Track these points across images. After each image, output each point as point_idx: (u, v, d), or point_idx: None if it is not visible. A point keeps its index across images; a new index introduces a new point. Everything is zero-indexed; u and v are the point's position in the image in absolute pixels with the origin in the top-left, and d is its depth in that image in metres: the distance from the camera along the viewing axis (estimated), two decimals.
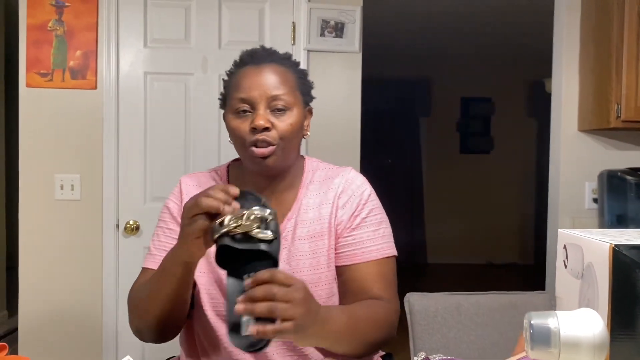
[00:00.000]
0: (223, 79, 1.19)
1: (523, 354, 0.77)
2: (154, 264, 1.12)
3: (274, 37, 2.49)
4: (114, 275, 2.47)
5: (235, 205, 0.86)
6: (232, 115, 1.09)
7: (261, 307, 0.80)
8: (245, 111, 1.07)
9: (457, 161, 6.28)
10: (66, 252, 2.46)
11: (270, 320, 0.81)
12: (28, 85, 2.42)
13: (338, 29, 2.46)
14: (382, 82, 5.58)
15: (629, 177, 2.32)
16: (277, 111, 1.07)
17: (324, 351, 1.07)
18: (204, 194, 0.87)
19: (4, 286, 3.99)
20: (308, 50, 2.49)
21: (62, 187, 2.45)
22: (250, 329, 0.81)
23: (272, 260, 0.86)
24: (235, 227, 0.84)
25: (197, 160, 2.50)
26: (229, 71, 1.16)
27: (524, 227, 6.20)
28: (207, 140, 2.50)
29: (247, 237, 0.85)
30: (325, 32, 2.46)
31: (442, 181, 6.22)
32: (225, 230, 0.84)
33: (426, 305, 1.51)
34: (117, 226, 2.47)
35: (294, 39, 2.49)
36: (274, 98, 1.07)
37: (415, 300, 1.54)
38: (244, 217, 0.85)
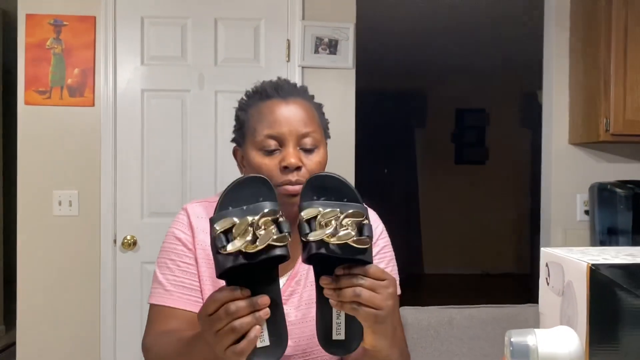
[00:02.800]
0: (237, 110, 1.12)
1: None
2: (172, 302, 1.06)
3: (269, 54, 2.54)
4: (112, 289, 2.49)
5: (267, 313, 0.77)
6: (257, 151, 1.03)
7: (348, 292, 0.78)
8: (274, 149, 1.02)
9: (452, 172, 6.32)
10: (64, 267, 2.48)
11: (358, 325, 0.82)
12: (27, 102, 2.46)
13: (332, 46, 2.51)
14: (378, 95, 5.64)
15: (618, 190, 2.36)
16: (306, 150, 1.04)
17: None
18: (230, 312, 0.75)
19: (1, 301, 4.00)
20: (303, 67, 2.53)
21: (60, 203, 2.48)
22: (331, 302, 0.79)
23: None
24: (331, 235, 0.76)
25: (193, 175, 2.53)
26: (245, 102, 1.10)
27: (519, 237, 6.23)
28: (204, 156, 2.54)
29: (343, 245, 0.77)
30: (320, 49, 2.51)
31: (438, 192, 6.26)
32: (318, 239, 0.76)
33: (419, 319, 1.54)
34: (115, 241, 2.50)
35: (288, 55, 2.53)
36: (304, 135, 1.03)
37: (409, 314, 1.57)
38: (338, 220, 0.77)
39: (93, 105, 2.48)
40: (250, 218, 0.75)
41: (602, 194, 2.42)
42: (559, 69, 2.61)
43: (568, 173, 2.60)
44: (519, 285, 5.74)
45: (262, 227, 0.74)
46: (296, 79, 2.52)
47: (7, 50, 3.67)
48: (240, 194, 0.79)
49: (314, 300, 0.87)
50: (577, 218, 2.59)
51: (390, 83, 5.68)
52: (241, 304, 0.75)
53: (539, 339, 0.66)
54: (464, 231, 6.19)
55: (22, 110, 2.46)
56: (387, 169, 6.17)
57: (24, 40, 2.45)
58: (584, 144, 2.57)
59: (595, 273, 0.76)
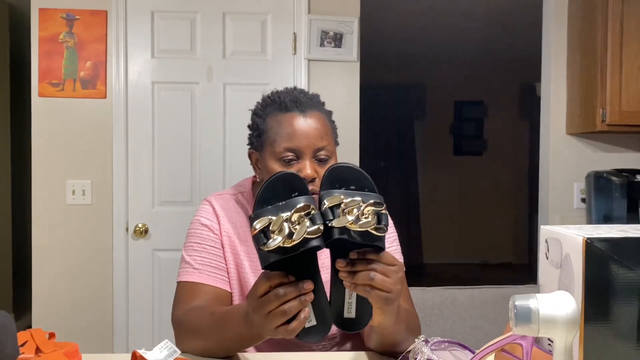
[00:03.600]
0: (254, 115, 1.20)
1: (510, 333, 0.88)
2: (201, 279, 1.14)
3: (275, 47, 2.61)
4: (124, 276, 2.57)
5: (312, 297, 0.84)
6: (275, 161, 1.12)
7: (362, 275, 0.84)
8: (291, 159, 1.11)
9: (451, 163, 6.40)
10: (78, 254, 2.56)
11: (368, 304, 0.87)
12: (40, 94, 2.53)
13: (337, 39, 2.58)
14: (378, 88, 5.71)
15: (614, 178, 2.45)
16: (320, 161, 1.12)
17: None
18: (277, 297, 0.82)
19: (10, 290, 4.08)
20: (308, 60, 2.60)
21: (73, 193, 2.55)
22: (345, 283, 0.85)
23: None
24: (353, 222, 0.82)
25: (203, 165, 2.61)
26: (263, 110, 1.18)
27: (518, 227, 6.32)
28: (213, 146, 2.61)
29: (363, 232, 0.82)
30: (325, 42, 2.58)
31: (437, 183, 6.34)
32: (341, 225, 0.82)
33: (424, 299, 1.63)
34: (127, 229, 2.58)
35: (294, 49, 2.60)
36: (320, 149, 1.12)
37: (414, 294, 1.65)
38: (360, 209, 0.83)
39: (105, 97, 2.55)
40: (284, 215, 0.81)
41: (598, 182, 2.50)
42: (557, 61, 2.69)
43: (565, 162, 2.69)
44: (517, 274, 5.84)
45: (297, 221, 0.81)
46: (302, 71, 2.59)
47: (15, 44, 3.73)
48: (275, 191, 0.85)
49: (328, 282, 0.92)
50: (574, 206, 2.68)
51: (389, 76, 5.74)
52: (289, 287, 0.82)
53: (540, 302, 0.74)
54: (463, 222, 6.28)
55: (36, 102, 2.53)
56: (387, 160, 6.24)
57: (37, 33, 2.51)
58: (581, 134, 2.65)
59: (590, 246, 0.84)
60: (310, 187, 1.08)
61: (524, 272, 5.57)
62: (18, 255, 3.85)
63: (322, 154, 1.12)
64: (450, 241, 6.28)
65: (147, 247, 2.59)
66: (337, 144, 1.20)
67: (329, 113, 1.21)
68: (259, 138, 1.17)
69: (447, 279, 5.58)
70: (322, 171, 1.11)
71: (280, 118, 1.13)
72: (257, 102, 1.21)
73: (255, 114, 1.20)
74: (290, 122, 1.12)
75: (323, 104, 1.21)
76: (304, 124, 1.12)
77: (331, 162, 1.14)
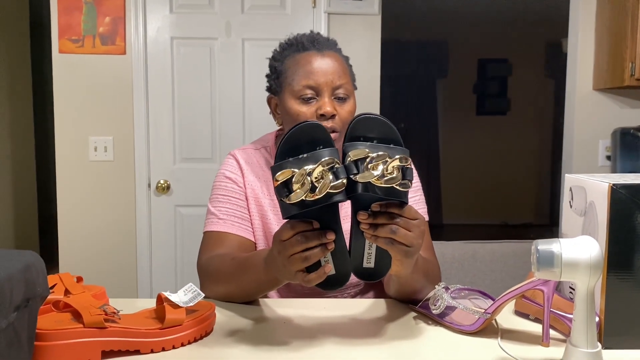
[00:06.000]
0: (271, 60, 1.20)
1: (532, 279, 0.88)
2: (226, 228, 1.16)
3: (295, 1, 2.56)
4: (147, 231, 2.62)
5: (333, 246, 0.84)
6: (294, 100, 1.12)
7: (384, 228, 0.83)
8: (310, 98, 1.12)
9: (474, 123, 6.31)
10: (102, 210, 2.61)
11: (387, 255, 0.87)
12: (61, 51, 2.53)
13: None
14: (400, 44, 5.60)
15: None
16: (339, 99, 1.12)
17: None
18: (300, 243, 0.83)
19: (37, 249, 4.19)
20: (328, 13, 2.55)
21: (95, 149, 2.58)
22: (366, 235, 0.84)
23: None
24: (378, 178, 0.80)
25: (222, 121, 2.61)
26: (280, 53, 1.18)
27: (540, 188, 6.26)
28: (232, 103, 2.60)
29: (388, 188, 0.81)
30: None
31: (458, 142, 6.27)
32: (366, 181, 0.80)
33: (444, 252, 1.63)
34: (149, 185, 2.61)
35: (314, 2, 2.55)
36: (338, 87, 1.12)
37: (434, 248, 1.65)
38: (386, 165, 0.81)
39: (124, 53, 2.54)
40: (307, 168, 0.79)
41: (625, 139, 2.44)
42: (586, 15, 2.60)
43: (591, 119, 2.62)
44: (538, 235, 5.81)
45: (320, 176, 0.80)
46: (322, 25, 2.55)
47: (35, 1, 3.72)
48: (298, 142, 0.83)
49: (348, 232, 0.90)
50: (599, 163, 2.63)
51: (411, 32, 5.62)
52: (312, 234, 0.82)
53: (563, 246, 0.73)
54: (484, 182, 6.22)
55: (57, 58, 2.54)
56: (407, 119, 6.17)
57: None
58: (608, 90, 2.58)
59: (616, 192, 0.83)
60: (329, 125, 1.10)
61: (545, 233, 5.54)
62: (44, 213, 3.94)
63: (341, 92, 1.13)
64: (470, 202, 6.25)
65: (170, 203, 2.62)
66: (355, 87, 1.20)
67: (346, 58, 1.21)
68: (277, 80, 1.17)
69: (467, 239, 5.58)
70: (341, 110, 1.12)
71: (298, 57, 1.14)
72: (274, 49, 1.22)
73: (273, 58, 1.20)
74: (308, 60, 1.12)
75: (340, 49, 1.21)
76: (322, 61, 1.12)
77: (350, 102, 1.14)
